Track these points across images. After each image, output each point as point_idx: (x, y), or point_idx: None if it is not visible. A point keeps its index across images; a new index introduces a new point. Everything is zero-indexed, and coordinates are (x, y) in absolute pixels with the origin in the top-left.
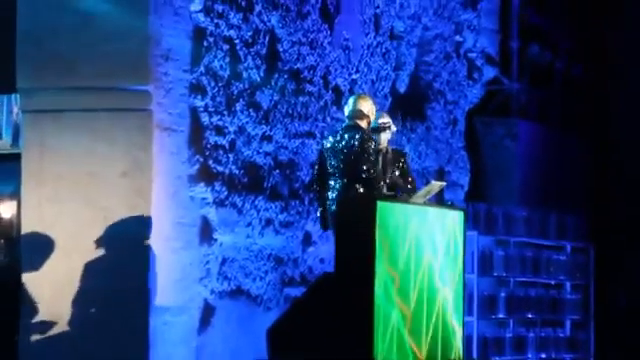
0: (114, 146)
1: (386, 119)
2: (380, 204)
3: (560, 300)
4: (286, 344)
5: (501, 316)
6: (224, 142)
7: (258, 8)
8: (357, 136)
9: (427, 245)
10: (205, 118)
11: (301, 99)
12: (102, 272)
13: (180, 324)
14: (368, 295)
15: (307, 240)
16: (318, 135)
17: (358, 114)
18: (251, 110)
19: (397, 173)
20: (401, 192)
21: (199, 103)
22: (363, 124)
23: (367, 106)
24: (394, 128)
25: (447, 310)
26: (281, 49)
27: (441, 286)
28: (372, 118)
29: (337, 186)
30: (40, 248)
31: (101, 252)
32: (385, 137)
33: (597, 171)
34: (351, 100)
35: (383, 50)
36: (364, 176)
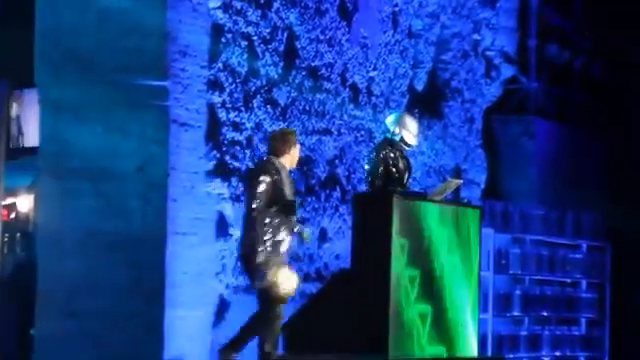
0: (131, 141)
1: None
2: (397, 201)
3: (576, 298)
4: (301, 340)
5: (516, 314)
6: (241, 138)
7: (276, 5)
8: None
9: (443, 243)
10: (222, 114)
11: (318, 96)
12: (118, 267)
13: (195, 318)
14: (384, 292)
15: (323, 236)
16: (335, 132)
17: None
18: (268, 107)
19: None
20: None
21: (216, 99)
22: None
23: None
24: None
25: (462, 308)
26: (299, 46)
27: (457, 284)
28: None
29: None
30: (56, 242)
31: (117, 247)
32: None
33: (614, 170)
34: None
35: (401, 48)
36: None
